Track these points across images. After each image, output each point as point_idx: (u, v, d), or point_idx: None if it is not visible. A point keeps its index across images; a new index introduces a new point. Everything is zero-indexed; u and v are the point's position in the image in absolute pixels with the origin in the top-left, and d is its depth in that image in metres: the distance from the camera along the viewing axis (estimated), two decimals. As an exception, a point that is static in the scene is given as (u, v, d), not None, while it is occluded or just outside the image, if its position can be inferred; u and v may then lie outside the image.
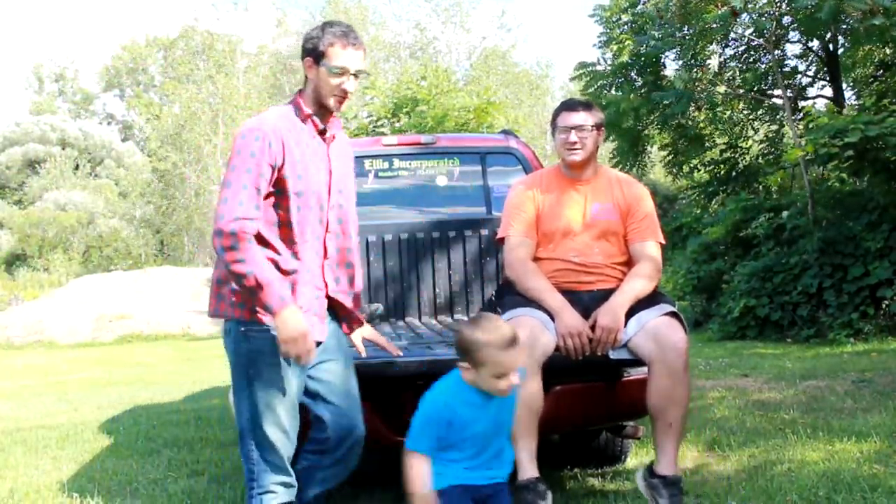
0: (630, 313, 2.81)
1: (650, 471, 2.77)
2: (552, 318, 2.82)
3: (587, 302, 2.90)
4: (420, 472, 2.03)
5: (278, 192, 2.32)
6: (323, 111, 2.44)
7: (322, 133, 2.45)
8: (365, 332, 2.66)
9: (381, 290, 3.55)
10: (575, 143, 3.00)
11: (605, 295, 2.89)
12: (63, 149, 37.02)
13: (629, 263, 3.02)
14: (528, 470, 2.67)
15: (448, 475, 2.07)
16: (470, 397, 2.06)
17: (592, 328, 2.78)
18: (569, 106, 3.09)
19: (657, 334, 2.73)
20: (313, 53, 2.39)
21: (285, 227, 2.34)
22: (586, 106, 3.09)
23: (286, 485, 2.39)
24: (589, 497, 3.08)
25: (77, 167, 36.52)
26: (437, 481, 2.05)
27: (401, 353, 2.68)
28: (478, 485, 2.09)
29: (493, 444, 2.11)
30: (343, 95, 2.39)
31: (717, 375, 6.16)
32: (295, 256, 2.35)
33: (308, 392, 2.43)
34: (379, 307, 3.37)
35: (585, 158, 3.04)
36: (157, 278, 19.95)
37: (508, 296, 3.01)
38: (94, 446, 4.81)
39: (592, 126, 3.02)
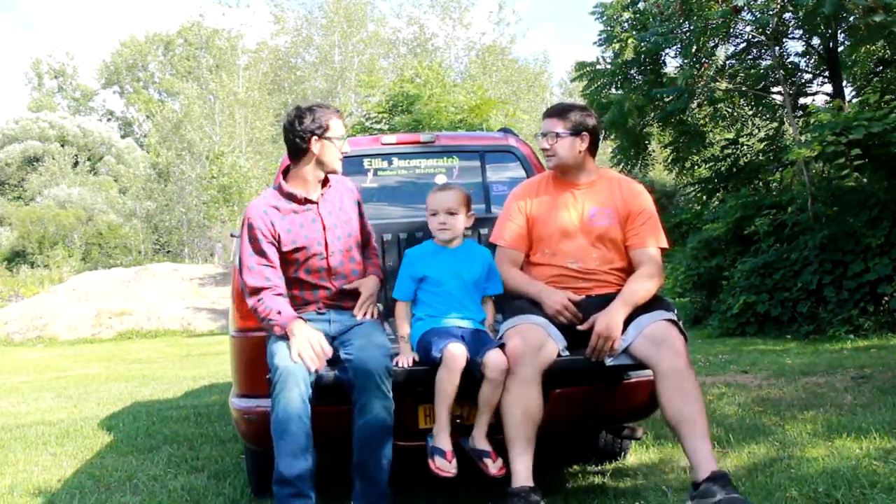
0: (629, 319, 2.80)
1: (694, 485, 2.61)
2: (552, 322, 2.82)
3: (585, 307, 2.88)
4: None
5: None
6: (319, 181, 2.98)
7: (308, 200, 2.96)
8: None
9: (381, 289, 3.52)
10: (546, 149, 3.05)
11: (604, 300, 2.87)
12: (62, 146, 37.03)
13: (628, 269, 3.00)
14: (523, 478, 2.65)
15: None
16: None
17: (589, 333, 2.77)
18: (546, 112, 3.13)
19: (654, 337, 2.74)
20: (318, 130, 2.90)
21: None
22: (560, 112, 3.07)
23: None
24: (589, 494, 3.08)
25: (76, 164, 36.53)
26: None
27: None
28: None
29: None
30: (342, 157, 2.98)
31: (717, 372, 6.16)
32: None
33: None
34: (378, 306, 3.35)
35: (560, 164, 3.05)
36: (157, 274, 19.93)
37: (509, 301, 3.01)
38: (94, 443, 4.81)
39: (564, 132, 3.01)
